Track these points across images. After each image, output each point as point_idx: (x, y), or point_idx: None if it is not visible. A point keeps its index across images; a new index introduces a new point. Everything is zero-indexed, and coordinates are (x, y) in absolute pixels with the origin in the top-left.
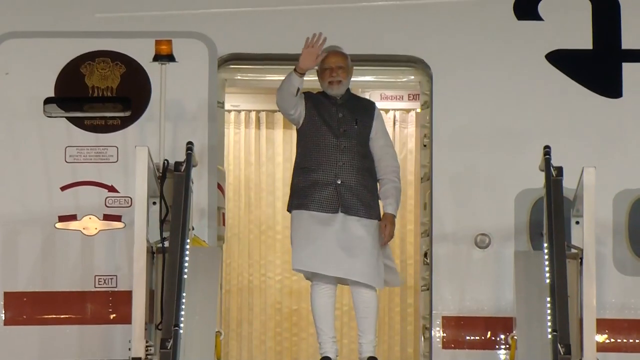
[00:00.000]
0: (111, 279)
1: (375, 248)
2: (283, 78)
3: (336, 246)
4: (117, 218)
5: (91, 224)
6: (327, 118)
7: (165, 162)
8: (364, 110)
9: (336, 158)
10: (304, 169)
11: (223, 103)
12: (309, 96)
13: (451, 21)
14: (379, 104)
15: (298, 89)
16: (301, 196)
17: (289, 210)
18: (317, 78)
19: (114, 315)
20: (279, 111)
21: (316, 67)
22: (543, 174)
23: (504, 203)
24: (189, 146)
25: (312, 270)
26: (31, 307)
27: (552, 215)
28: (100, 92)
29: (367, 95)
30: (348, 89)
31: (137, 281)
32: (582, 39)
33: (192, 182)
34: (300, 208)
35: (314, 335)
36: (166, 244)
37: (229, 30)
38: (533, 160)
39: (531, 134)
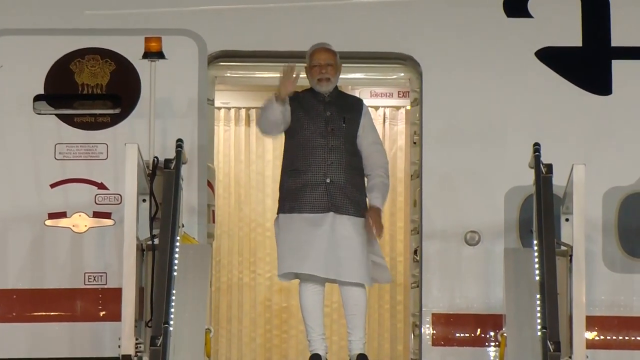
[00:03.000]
0: (101, 276)
1: (363, 246)
2: (272, 75)
3: (326, 248)
4: (107, 215)
5: (81, 221)
6: (314, 117)
7: (155, 159)
8: (352, 108)
9: (325, 157)
10: (293, 171)
11: (213, 100)
12: (294, 97)
13: (441, 18)
14: (369, 102)
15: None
16: (293, 199)
17: (279, 213)
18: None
19: (104, 312)
20: None
21: (305, 64)
22: (533, 171)
23: (493, 200)
24: (179, 143)
25: (302, 272)
26: (21, 304)
27: (541, 212)
28: (89, 89)
29: (356, 93)
30: (336, 87)
31: (126, 278)
32: (571, 36)
33: (182, 180)
34: (292, 211)
35: (304, 333)
36: (156, 241)
37: (218, 27)
38: (523, 158)
39: (521, 131)
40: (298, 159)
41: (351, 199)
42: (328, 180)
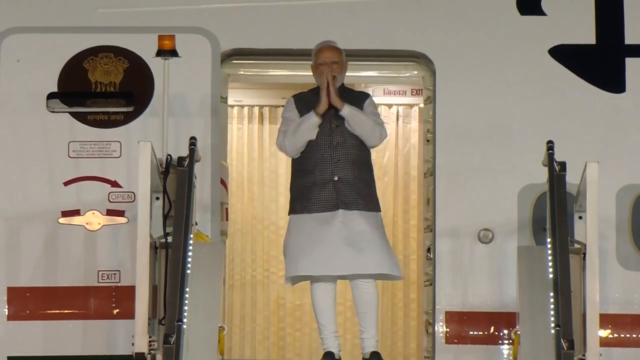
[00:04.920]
0: (114, 274)
1: (381, 238)
2: (285, 73)
3: (340, 245)
4: (120, 213)
5: (94, 219)
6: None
7: (169, 157)
8: (356, 101)
9: (331, 155)
10: (301, 171)
11: (226, 98)
12: (298, 100)
13: (454, 16)
14: (382, 99)
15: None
16: (302, 199)
17: (290, 214)
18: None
19: (117, 310)
20: (282, 106)
21: (310, 62)
22: (546, 169)
23: (507, 198)
24: (192, 141)
25: (317, 274)
26: (34, 302)
27: (555, 210)
28: (103, 87)
29: (370, 91)
30: (342, 84)
31: (140, 276)
32: (585, 33)
33: (195, 177)
34: (303, 211)
35: (317, 330)
36: (169, 239)
37: (231, 25)
38: (536, 155)
39: (534, 129)
40: (305, 159)
41: (360, 194)
42: (336, 178)
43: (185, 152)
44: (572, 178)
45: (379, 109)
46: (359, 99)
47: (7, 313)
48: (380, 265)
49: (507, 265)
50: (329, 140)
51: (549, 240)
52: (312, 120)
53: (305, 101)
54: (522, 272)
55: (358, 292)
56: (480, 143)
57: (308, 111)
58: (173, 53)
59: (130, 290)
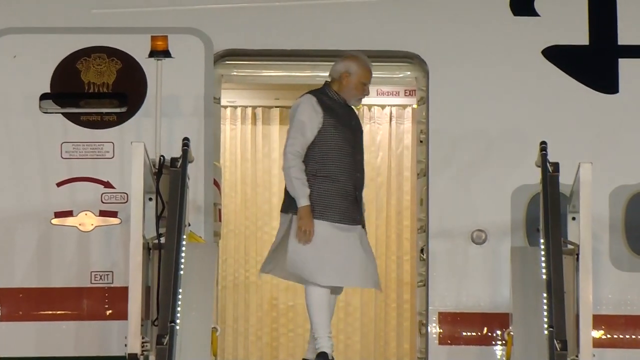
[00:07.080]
0: (107, 275)
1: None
2: (278, 74)
3: (364, 258)
4: (113, 214)
5: (87, 220)
6: (343, 123)
7: (162, 158)
8: (357, 115)
9: (354, 169)
10: (325, 177)
11: (219, 99)
12: (321, 101)
13: (447, 16)
14: (376, 100)
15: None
16: (323, 204)
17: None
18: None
19: (110, 311)
20: (275, 107)
21: (344, 71)
22: (539, 169)
23: (500, 199)
24: (185, 142)
25: (347, 286)
26: (27, 303)
27: (548, 211)
28: (96, 88)
29: None
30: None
31: (133, 277)
32: (578, 34)
33: (188, 178)
34: (322, 218)
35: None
36: (162, 240)
37: (225, 26)
38: (529, 156)
39: (527, 129)
40: (331, 166)
41: (362, 210)
42: (357, 193)
43: (178, 153)
44: (565, 179)
45: (372, 109)
46: (356, 113)
47: None
48: (376, 282)
49: (500, 266)
50: (353, 152)
51: (542, 241)
52: (297, 200)
53: (326, 104)
54: (515, 273)
55: (332, 296)
56: (473, 144)
57: (330, 112)
58: (166, 54)
59: (123, 291)
